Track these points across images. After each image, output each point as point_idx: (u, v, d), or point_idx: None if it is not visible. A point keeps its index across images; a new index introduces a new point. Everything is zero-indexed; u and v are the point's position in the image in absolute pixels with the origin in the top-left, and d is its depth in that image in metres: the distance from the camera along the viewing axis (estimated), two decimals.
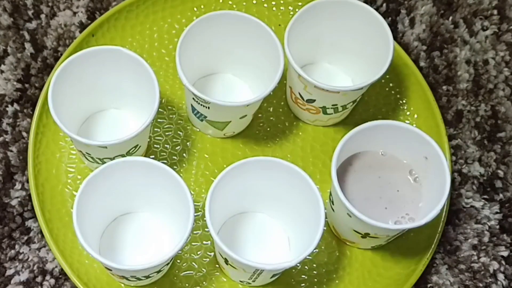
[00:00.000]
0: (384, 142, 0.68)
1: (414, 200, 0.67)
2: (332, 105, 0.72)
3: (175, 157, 0.75)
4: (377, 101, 0.78)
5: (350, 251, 0.72)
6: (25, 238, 0.72)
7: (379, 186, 0.68)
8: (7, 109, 0.76)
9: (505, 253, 0.74)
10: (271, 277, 0.68)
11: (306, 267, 0.71)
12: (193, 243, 0.71)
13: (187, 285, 0.70)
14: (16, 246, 0.71)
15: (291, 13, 0.81)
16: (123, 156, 0.68)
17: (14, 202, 0.72)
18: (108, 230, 0.70)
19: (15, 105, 0.76)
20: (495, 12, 0.84)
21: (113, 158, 0.68)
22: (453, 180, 0.76)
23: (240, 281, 0.70)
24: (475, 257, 0.74)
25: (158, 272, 0.66)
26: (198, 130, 0.76)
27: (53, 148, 0.74)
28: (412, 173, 0.69)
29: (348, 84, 0.77)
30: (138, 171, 0.66)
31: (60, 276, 0.70)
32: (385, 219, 0.66)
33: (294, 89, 0.73)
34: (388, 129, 0.67)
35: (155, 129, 0.76)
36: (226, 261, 0.65)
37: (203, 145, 0.76)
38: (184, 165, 0.74)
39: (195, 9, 0.81)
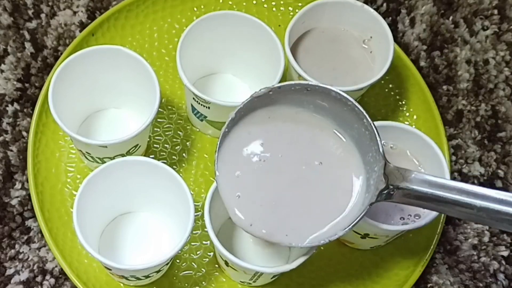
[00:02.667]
0: (385, 136, 0.68)
1: None
2: None
3: (175, 157, 0.75)
4: (376, 102, 0.78)
5: (349, 252, 0.72)
6: (25, 237, 0.72)
7: None
8: (7, 108, 0.76)
9: (505, 253, 0.74)
10: (272, 278, 0.68)
11: (305, 267, 0.71)
12: (192, 243, 0.71)
13: (186, 285, 0.70)
14: (16, 246, 0.71)
15: (291, 13, 0.81)
16: (123, 155, 0.68)
17: (14, 202, 0.72)
18: (107, 230, 0.70)
19: (15, 104, 0.76)
20: (496, 12, 0.84)
21: (113, 158, 0.68)
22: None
23: (241, 282, 0.70)
24: (475, 257, 0.74)
25: (158, 272, 0.66)
26: (198, 130, 0.76)
27: (53, 147, 0.74)
28: (415, 163, 0.68)
29: None
30: (138, 171, 0.66)
31: (60, 275, 0.70)
32: (387, 218, 0.66)
33: None
34: (388, 129, 0.67)
35: (155, 129, 0.76)
36: (226, 263, 0.65)
37: (203, 145, 0.76)
38: (183, 165, 0.74)
39: (195, 9, 0.81)
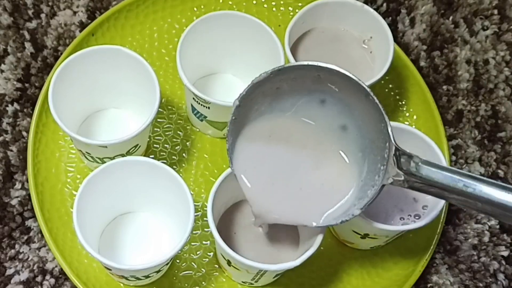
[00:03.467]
0: None
1: (418, 200, 0.67)
2: None
3: (175, 157, 0.75)
4: None
5: (349, 252, 0.72)
6: (25, 237, 0.72)
7: None
8: (7, 108, 0.76)
9: (505, 253, 0.74)
10: (274, 277, 0.68)
11: (305, 267, 0.71)
12: (192, 243, 0.71)
13: (186, 285, 0.70)
14: (16, 246, 0.71)
15: (291, 13, 0.81)
16: (123, 155, 0.68)
17: (14, 202, 0.72)
18: (107, 230, 0.70)
19: (15, 104, 0.76)
20: (496, 11, 0.84)
21: (113, 158, 0.68)
22: None
23: (243, 282, 0.70)
24: (475, 257, 0.74)
25: (158, 272, 0.66)
26: (197, 130, 0.76)
27: (53, 147, 0.74)
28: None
29: None
30: (138, 171, 0.66)
31: (60, 275, 0.70)
32: (387, 218, 0.66)
33: None
34: None
35: (155, 129, 0.76)
36: (228, 263, 0.65)
37: (203, 145, 0.76)
38: (183, 165, 0.74)
39: (195, 9, 0.81)
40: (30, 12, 0.80)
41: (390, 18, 0.83)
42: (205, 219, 0.71)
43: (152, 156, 0.74)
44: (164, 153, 0.75)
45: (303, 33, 0.74)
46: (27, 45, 0.79)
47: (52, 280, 0.70)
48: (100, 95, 0.73)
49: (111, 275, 0.68)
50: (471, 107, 0.80)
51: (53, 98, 0.66)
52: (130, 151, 0.69)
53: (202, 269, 0.70)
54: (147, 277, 0.66)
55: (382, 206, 0.66)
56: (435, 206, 0.64)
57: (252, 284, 0.69)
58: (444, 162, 0.65)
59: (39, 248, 0.71)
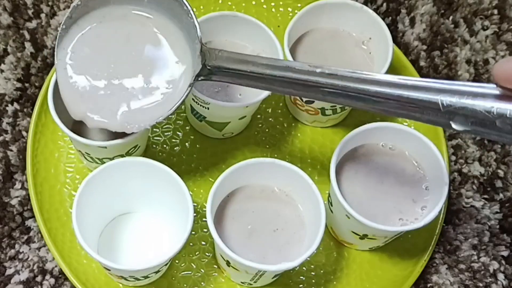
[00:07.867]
0: (384, 137, 0.68)
1: (417, 201, 0.67)
2: (331, 106, 0.72)
3: (174, 158, 0.75)
4: None
5: (348, 252, 0.72)
6: (25, 237, 0.72)
7: (380, 181, 0.68)
8: (7, 108, 0.76)
9: (505, 253, 0.74)
10: (273, 278, 0.68)
11: (304, 268, 0.71)
12: (191, 244, 0.71)
13: (185, 285, 0.70)
14: (16, 246, 0.71)
15: (290, 14, 0.81)
16: (122, 156, 0.68)
17: (14, 202, 0.73)
18: (106, 230, 0.70)
19: (15, 104, 0.76)
20: (496, 11, 0.84)
21: (112, 158, 0.68)
22: (453, 180, 0.76)
23: (242, 282, 0.70)
24: (475, 257, 0.74)
25: (157, 272, 0.66)
26: (197, 130, 0.76)
27: (52, 148, 0.74)
28: (414, 164, 0.68)
29: None
30: (137, 172, 0.66)
31: (60, 275, 0.71)
32: (386, 219, 0.66)
33: None
34: (387, 130, 0.67)
35: (154, 130, 0.76)
36: (228, 263, 0.65)
37: (202, 146, 0.76)
38: (182, 165, 0.74)
39: (194, 9, 0.80)
40: (30, 12, 0.80)
41: (390, 18, 0.83)
42: (204, 219, 0.72)
43: (151, 156, 0.74)
44: (164, 154, 0.75)
45: (302, 33, 0.74)
46: (27, 45, 0.79)
47: (52, 280, 0.70)
48: None
49: (110, 276, 0.68)
50: None
51: (53, 98, 0.66)
52: (130, 151, 0.69)
53: (201, 270, 0.71)
54: (146, 277, 0.66)
55: (381, 207, 0.66)
56: (433, 207, 0.64)
57: (251, 284, 0.69)
58: (443, 163, 0.65)
59: (39, 248, 0.71)
